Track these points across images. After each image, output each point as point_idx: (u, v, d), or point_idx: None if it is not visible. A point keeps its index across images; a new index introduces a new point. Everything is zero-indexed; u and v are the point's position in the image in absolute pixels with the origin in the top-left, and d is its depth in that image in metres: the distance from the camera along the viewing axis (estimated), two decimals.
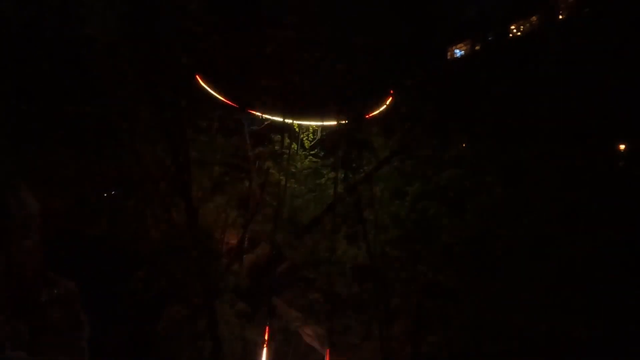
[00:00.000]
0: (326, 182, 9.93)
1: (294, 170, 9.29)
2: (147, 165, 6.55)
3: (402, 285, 7.26)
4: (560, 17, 11.83)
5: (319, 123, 10.89)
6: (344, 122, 9.04)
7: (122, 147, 6.36)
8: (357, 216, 8.30)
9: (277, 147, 9.28)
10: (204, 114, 7.97)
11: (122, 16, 6.33)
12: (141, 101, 6.38)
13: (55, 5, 6.55)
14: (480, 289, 6.50)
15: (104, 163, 6.41)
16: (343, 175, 9.21)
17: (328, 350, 7.06)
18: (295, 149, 9.53)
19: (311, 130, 11.19)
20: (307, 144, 10.69)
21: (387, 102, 9.06)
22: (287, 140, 9.27)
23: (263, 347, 6.65)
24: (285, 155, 9.03)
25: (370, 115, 8.97)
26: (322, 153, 10.63)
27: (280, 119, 9.24)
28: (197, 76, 8.00)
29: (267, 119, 9.28)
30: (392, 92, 9.14)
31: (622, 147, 9.44)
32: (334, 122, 9.55)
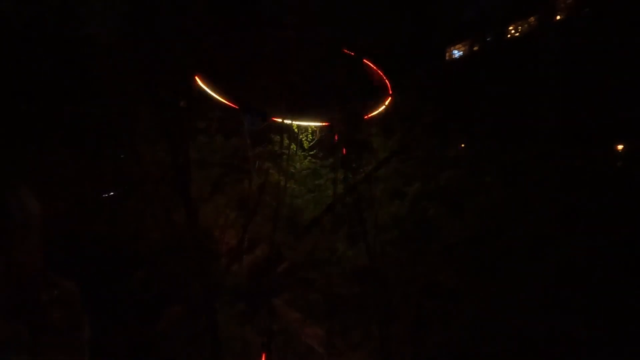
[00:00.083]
0: (325, 182, 9.94)
1: (293, 170, 9.30)
2: (147, 165, 6.55)
3: (402, 285, 7.26)
4: (559, 17, 11.88)
5: (319, 124, 10.90)
6: (343, 122, 9.06)
7: (121, 147, 6.35)
8: (356, 216, 8.30)
9: (276, 148, 9.28)
10: (204, 114, 7.98)
11: (122, 16, 6.33)
12: (141, 101, 6.38)
13: (55, 5, 6.54)
14: (480, 289, 6.51)
15: (104, 163, 6.40)
16: (342, 175, 9.22)
17: (328, 351, 7.06)
18: (295, 149, 9.54)
19: (310, 131, 11.20)
20: (306, 144, 10.70)
21: (387, 103, 9.08)
22: (286, 141, 9.27)
23: (262, 348, 6.64)
24: (284, 156, 9.04)
25: (370, 115, 8.99)
26: (322, 154, 10.64)
27: (280, 120, 9.25)
28: (197, 77, 8.01)
29: (266, 120, 9.28)
30: (391, 92, 9.16)
31: (620, 147, 9.48)
32: (333, 123, 9.56)
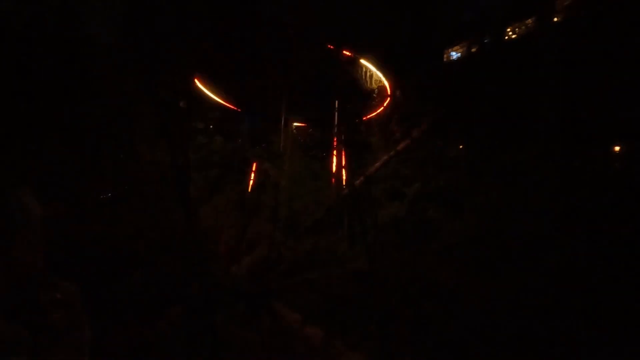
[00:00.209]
0: (325, 183, 9.94)
1: (292, 171, 9.30)
2: (146, 165, 6.53)
3: (402, 285, 7.26)
4: (556, 19, 11.94)
5: (318, 125, 10.92)
6: (343, 123, 9.07)
7: (121, 148, 6.34)
8: (356, 217, 8.31)
9: (275, 149, 9.29)
10: (203, 114, 7.98)
11: (121, 16, 6.31)
12: (140, 101, 6.36)
13: (55, 5, 6.52)
14: (480, 289, 6.51)
15: (104, 163, 6.38)
16: (342, 176, 9.22)
17: (327, 351, 7.04)
18: (293, 149, 9.55)
19: (308, 132, 11.20)
20: (304, 145, 10.69)
21: (386, 104, 9.11)
22: (285, 142, 9.27)
23: (262, 349, 6.62)
24: (283, 157, 9.04)
25: (369, 116, 9.01)
26: (320, 155, 10.66)
27: (279, 120, 9.25)
28: (196, 78, 8.00)
29: (265, 120, 9.29)
30: (390, 93, 9.19)
31: (617, 148, 9.55)
32: (332, 124, 9.57)
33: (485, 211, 6.97)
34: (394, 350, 6.70)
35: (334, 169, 9.36)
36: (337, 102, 8.93)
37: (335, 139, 9.45)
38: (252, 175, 9.45)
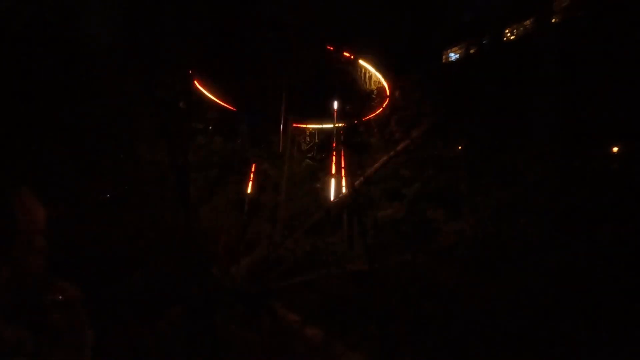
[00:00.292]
0: (323, 184, 9.94)
1: (291, 172, 9.30)
2: (146, 166, 6.52)
3: (401, 286, 7.26)
4: (555, 20, 11.96)
5: (317, 126, 10.92)
6: (341, 124, 9.08)
7: (121, 148, 6.33)
8: (355, 218, 8.31)
9: (274, 150, 9.28)
10: (202, 115, 7.97)
11: (121, 16, 6.30)
12: (140, 102, 6.36)
13: (55, 5, 6.51)
14: (480, 289, 6.52)
15: (103, 163, 6.37)
16: (341, 177, 9.22)
17: (327, 352, 7.04)
18: (293, 150, 9.54)
19: (308, 133, 11.21)
20: (304, 146, 10.69)
21: (385, 105, 9.11)
22: (284, 143, 9.27)
23: (262, 349, 6.62)
24: (282, 158, 9.04)
25: (369, 117, 9.01)
26: (320, 155, 10.66)
27: (278, 122, 9.25)
28: (195, 79, 7.99)
29: (264, 122, 9.28)
30: (389, 94, 9.19)
31: (616, 149, 9.57)
32: (331, 125, 9.58)
33: (485, 212, 6.97)
34: (394, 350, 6.70)
35: (333, 169, 9.36)
36: (336, 103, 8.93)
37: (334, 140, 9.45)
38: (252, 175, 9.44)
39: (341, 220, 9.30)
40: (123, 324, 4.98)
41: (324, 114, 9.42)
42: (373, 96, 9.06)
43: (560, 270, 5.83)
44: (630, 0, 8.97)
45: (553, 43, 8.94)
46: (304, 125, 10.67)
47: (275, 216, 8.46)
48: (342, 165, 9.28)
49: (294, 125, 9.82)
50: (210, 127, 8.61)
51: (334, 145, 9.51)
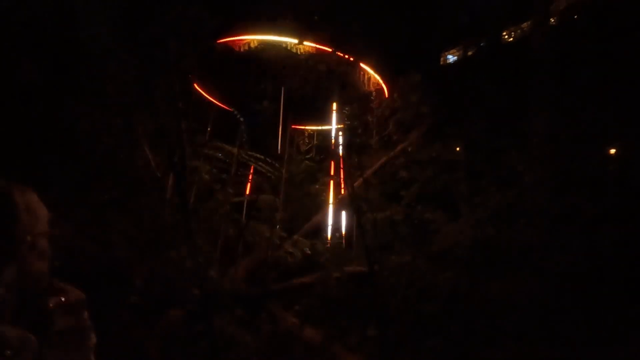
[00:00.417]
0: (322, 186, 9.93)
1: (290, 174, 9.28)
2: (145, 168, 6.50)
3: (400, 288, 7.26)
4: (552, 20, 12.03)
5: (316, 127, 10.91)
6: (340, 126, 9.07)
7: (120, 149, 6.30)
8: (354, 220, 8.30)
9: (273, 151, 9.27)
10: (200, 116, 7.94)
11: (121, 17, 6.29)
12: (139, 103, 6.34)
13: (52, 6, 6.50)
14: (479, 291, 6.53)
15: (103, 165, 6.34)
16: (339, 179, 9.20)
17: (325, 354, 7.02)
18: (291, 151, 9.54)
19: (306, 134, 11.20)
20: (303, 147, 10.68)
21: (384, 106, 9.11)
22: (283, 145, 9.26)
23: (261, 351, 6.59)
24: (281, 159, 9.03)
25: (367, 119, 9.00)
26: (319, 157, 10.65)
27: (276, 123, 9.24)
28: (194, 79, 7.97)
29: (263, 123, 9.25)
30: (388, 96, 9.21)
31: (613, 151, 9.63)
32: (330, 126, 9.57)
33: (484, 213, 6.99)
34: (394, 352, 6.69)
35: (332, 171, 9.36)
36: (335, 104, 8.94)
37: (333, 142, 9.46)
38: (250, 177, 9.42)
39: (340, 222, 9.29)
40: (121, 327, 4.95)
41: (323, 116, 9.42)
42: (372, 98, 9.07)
43: (559, 271, 5.84)
44: (626, 3, 9.04)
45: (550, 45, 8.99)
46: (303, 127, 10.68)
47: (273, 218, 8.43)
48: (341, 167, 9.28)
49: (293, 126, 9.82)
50: (209, 129, 8.58)
51: (333, 146, 9.51)
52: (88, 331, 1.16)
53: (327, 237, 8.82)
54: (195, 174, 7.28)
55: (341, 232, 9.17)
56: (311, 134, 10.85)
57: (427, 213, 7.51)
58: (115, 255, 5.63)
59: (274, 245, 8.32)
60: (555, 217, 6.35)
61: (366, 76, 8.72)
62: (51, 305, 1.09)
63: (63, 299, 1.12)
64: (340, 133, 9.03)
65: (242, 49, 8.30)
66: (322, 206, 9.36)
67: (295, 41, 7.80)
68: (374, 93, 9.03)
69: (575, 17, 12.26)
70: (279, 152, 9.09)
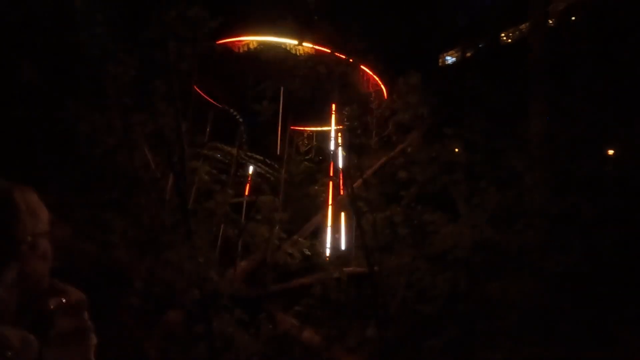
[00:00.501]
0: (322, 186, 9.93)
1: (289, 175, 9.28)
2: (144, 169, 6.49)
3: (399, 290, 7.26)
4: (550, 23, 12.06)
5: (315, 128, 10.91)
6: (340, 127, 9.07)
7: (118, 150, 6.29)
8: (353, 221, 8.30)
9: (272, 152, 9.27)
10: (200, 117, 7.93)
11: (119, 18, 6.28)
12: (138, 104, 6.33)
13: (52, 7, 6.49)
14: (478, 293, 6.53)
15: (102, 166, 6.33)
16: (339, 180, 9.20)
17: (324, 356, 7.02)
18: (291, 152, 9.54)
19: (306, 135, 11.20)
20: (302, 148, 10.69)
21: (383, 107, 9.12)
22: (282, 145, 9.26)
23: (260, 354, 6.58)
24: (280, 160, 9.03)
25: (366, 119, 9.01)
26: (318, 158, 10.65)
27: (275, 124, 9.24)
28: (193, 80, 7.96)
29: (262, 124, 9.24)
30: (387, 97, 9.21)
31: (611, 152, 9.66)
32: (330, 127, 9.57)
33: (483, 214, 6.99)
34: (393, 353, 6.69)
35: (331, 172, 9.36)
36: (334, 105, 8.95)
37: (332, 143, 9.46)
38: (249, 178, 9.41)
39: (339, 223, 9.29)
40: (121, 327, 4.94)
41: (323, 116, 9.43)
42: (371, 99, 9.08)
43: (558, 272, 5.85)
44: (625, 4, 9.07)
45: (549, 46, 9.01)
46: (302, 128, 10.69)
47: (272, 219, 8.42)
48: (340, 168, 9.28)
49: (292, 127, 9.82)
50: (208, 130, 8.58)
51: (332, 147, 9.52)
52: (89, 332, 1.15)
53: (326, 249, 8.79)
54: (195, 174, 7.27)
55: (340, 233, 9.17)
56: (310, 135, 10.85)
57: (427, 214, 7.50)
58: (114, 255, 5.61)
59: (273, 246, 8.31)
60: (555, 218, 6.35)
61: (365, 77, 8.73)
62: (52, 306, 1.08)
63: (64, 300, 1.12)
64: (340, 134, 9.04)
65: (241, 50, 8.31)
66: (321, 207, 9.36)
67: (295, 42, 7.81)
68: (373, 94, 9.04)
69: (574, 18, 12.30)
70: (279, 152, 9.09)
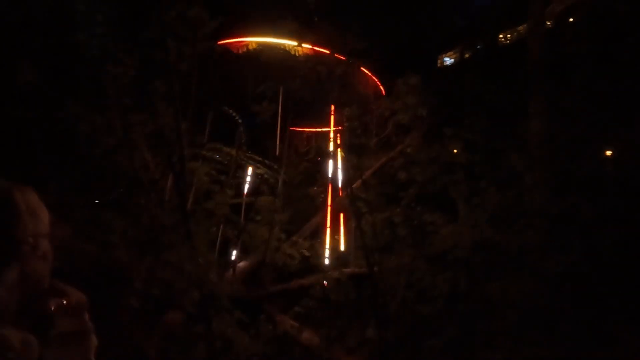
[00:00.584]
0: (321, 187, 9.93)
1: (287, 176, 9.27)
2: (143, 170, 6.48)
3: (399, 290, 7.25)
4: (548, 24, 12.08)
5: (315, 129, 10.91)
6: (339, 128, 9.08)
7: (118, 151, 6.28)
8: (353, 221, 8.30)
9: (271, 153, 9.26)
10: (199, 118, 7.93)
11: (119, 18, 6.28)
12: (138, 105, 6.33)
13: (51, 7, 6.47)
14: (478, 293, 6.53)
15: (101, 167, 6.32)
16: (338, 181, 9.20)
17: (324, 356, 7.01)
18: (290, 153, 9.53)
19: (305, 136, 11.20)
20: (301, 149, 10.68)
21: (382, 108, 9.12)
22: (281, 146, 9.26)
23: (259, 355, 6.57)
24: (279, 161, 9.02)
25: (365, 120, 9.01)
26: (317, 158, 10.65)
27: (275, 124, 9.23)
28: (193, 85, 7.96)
29: (261, 125, 9.24)
30: (386, 96, 9.22)
31: (609, 152, 9.67)
32: (329, 128, 9.58)
33: (482, 214, 6.99)
34: (392, 354, 6.68)
35: (330, 173, 9.35)
36: (333, 106, 8.95)
37: (331, 143, 9.46)
38: (248, 179, 9.40)
39: (338, 223, 9.28)
40: (121, 328, 4.93)
41: (322, 117, 9.43)
42: (371, 99, 9.08)
43: (558, 272, 5.85)
44: (623, 6, 9.09)
45: (547, 48, 9.03)
46: (302, 129, 10.68)
47: (272, 220, 8.42)
48: (339, 169, 9.28)
49: (291, 128, 9.81)
50: (207, 131, 8.57)
51: (331, 148, 9.52)
52: (89, 333, 1.14)
53: (325, 250, 8.77)
54: (194, 175, 7.26)
55: (340, 234, 9.17)
56: (310, 136, 10.85)
57: (426, 214, 7.51)
58: (114, 256, 5.60)
59: (272, 247, 8.31)
60: (555, 218, 6.36)
61: (365, 78, 8.74)
62: (52, 307, 1.07)
63: (64, 301, 1.10)
64: (339, 134, 9.04)
65: (240, 51, 8.31)
66: (320, 208, 9.36)
67: (294, 43, 7.82)
68: (372, 94, 9.04)
69: (572, 19, 12.33)
70: (278, 153, 9.09)
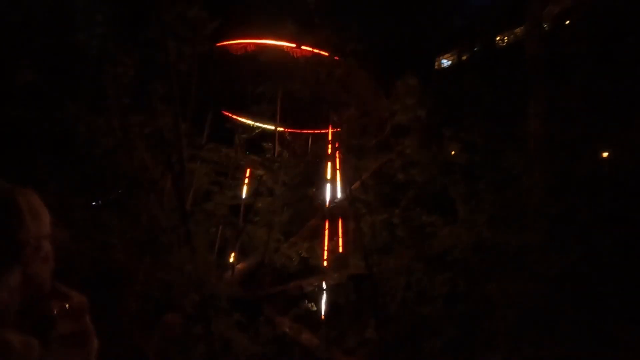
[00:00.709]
0: (319, 189, 9.92)
1: (285, 178, 9.27)
2: (143, 172, 6.46)
3: (398, 291, 7.26)
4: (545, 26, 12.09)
5: (313, 131, 10.91)
6: (337, 129, 9.08)
7: (117, 151, 6.27)
8: (352, 223, 8.30)
9: (268, 155, 9.25)
10: (198, 119, 7.92)
11: (119, 19, 6.27)
12: (137, 105, 6.32)
13: (51, 7, 6.46)
14: (476, 294, 6.53)
15: (101, 169, 6.31)
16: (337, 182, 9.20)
17: (323, 357, 7.01)
18: (287, 156, 9.53)
19: (304, 137, 11.19)
20: (299, 151, 10.68)
21: (380, 109, 9.13)
22: (280, 148, 9.26)
23: (259, 356, 6.57)
24: (277, 163, 9.02)
25: (364, 122, 9.01)
26: (316, 160, 10.64)
27: (272, 127, 9.23)
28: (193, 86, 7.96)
29: (258, 127, 9.26)
30: (385, 98, 9.21)
31: (605, 154, 9.68)
32: (327, 130, 9.58)
33: (480, 216, 7.00)
34: (391, 355, 6.69)
35: (328, 174, 9.35)
36: (332, 108, 8.95)
37: (330, 145, 9.46)
38: (247, 180, 9.40)
39: (337, 225, 9.28)
40: (120, 330, 4.91)
41: (321, 119, 9.43)
42: (369, 100, 9.08)
43: (557, 273, 5.85)
44: (620, 8, 9.11)
45: (544, 49, 9.04)
46: (300, 130, 10.68)
47: (270, 221, 8.41)
48: (338, 170, 9.28)
49: (290, 130, 9.82)
50: (205, 132, 8.56)
51: (330, 150, 9.52)
52: (90, 335, 1.13)
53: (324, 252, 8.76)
54: (193, 176, 7.26)
55: (339, 235, 9.17)
56: (308, 137, 10.84)
57: (425, 215, 7.51)
58: (113, 257, 5.59)
59: (271, 249, 8.31)
60: (554, 218, 6.36)
61: (363, 80, 8.74)
62: (54, 309, 1.07)
63: (66, 304, 1.10)
64: (338, 136, 9.04)
65: (239, 52, 8.31)
66: (319, 209, 9.35)
67: (293, 45, 7.82)
68: (370, 95, 9.04)
69: (569, 22, 12.34)
70: (276, 154, 9.08)
